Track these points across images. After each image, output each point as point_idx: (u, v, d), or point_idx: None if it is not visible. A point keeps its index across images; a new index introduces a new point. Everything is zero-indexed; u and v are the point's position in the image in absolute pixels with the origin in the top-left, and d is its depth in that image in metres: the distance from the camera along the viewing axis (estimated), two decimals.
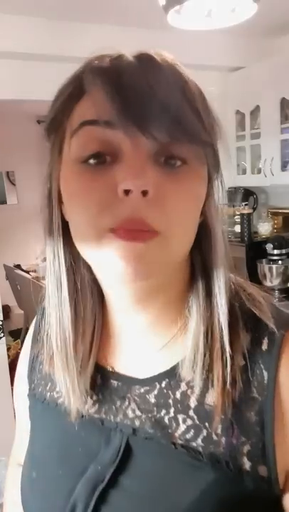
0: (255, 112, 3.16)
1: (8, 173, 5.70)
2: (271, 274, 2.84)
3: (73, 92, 0.48)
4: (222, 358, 0.49)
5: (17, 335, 4.68)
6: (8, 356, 2.62)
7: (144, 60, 0.46)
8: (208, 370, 0.50)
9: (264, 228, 3.24)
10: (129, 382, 0.55)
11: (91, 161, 0.46)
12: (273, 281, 2.84)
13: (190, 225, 0.49)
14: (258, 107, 3.11)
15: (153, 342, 0.55)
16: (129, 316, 0.56)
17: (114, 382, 0.56)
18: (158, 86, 0.44)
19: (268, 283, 2.83)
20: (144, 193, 0.43)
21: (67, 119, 0.49)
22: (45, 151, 0.53)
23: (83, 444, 0.55)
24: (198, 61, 3.01)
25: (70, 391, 0.55)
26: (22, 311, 4.78)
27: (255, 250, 3.01)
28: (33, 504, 0.58)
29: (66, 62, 2.82)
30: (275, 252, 2.90)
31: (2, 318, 2.16)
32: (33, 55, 2.66)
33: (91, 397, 0.57)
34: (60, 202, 0.52)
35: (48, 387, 0.62)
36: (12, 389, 2.63)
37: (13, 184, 5.74)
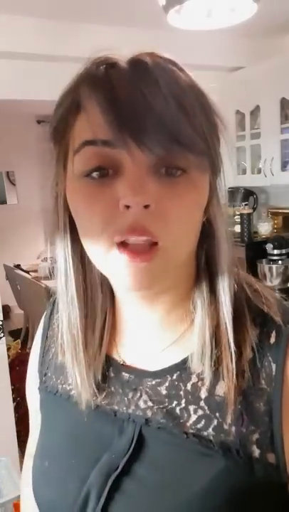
0: (255, 112, 3.16)
1: (8, 173, 5.71)
2: (271, 274, 2.85)
3: (72, 104, 0.49)
4: (230, 351, 0.51)
5: (17, 335, 4.68)
6: (8, 356, 2.62)
7: (139, 70, 0.46)
8: (218, 362, 0.52)
9: (264, 228, 3.24)
10: (141, 374, 0.57)
11: (94, 174, 0.47)
12: (273, 281, 2.84)
13: (191, 232, 0.50)
14: (258, 107, 3.11)
15: (163, 337, 0.57)
16: (138, 313, 0.58)
17: (126, 375, 0.58)
18: (153, 98, 0.44)
19: (268, 283, 2.83)
20: (146, 206, 0.45)
21: (68, 131, 0.50)
22: (49, 154, 0.54)
23: (96, 434, 0.57)
24: (198, 61, 3.01)
25: (79, 383, 0.57)
26: (22, 311, 4.78)
27: (255, 250, 3.01)
28: (45, 493, 0.59)
29: (66, 62, 2.83)
30: (275, 252, 2.90)
31: (2, 318, 2.16)
32: (33, 55, 2.66)
33: (103, 390, 0.59)
34: (67, 207, 0.53)
35: (60, 380, 0.64)
36: (12, 389, 2.61)
37: (13, 184, 5.74)
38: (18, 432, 2.23)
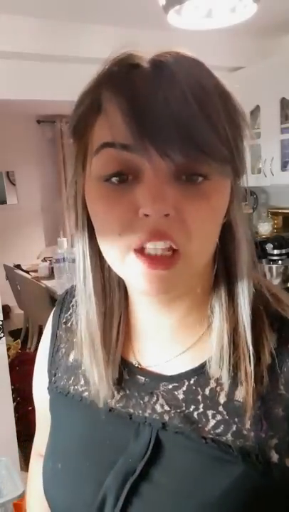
0: (255, 111, 3.16)
1: (8, 173, 5.70)
2: (271, 274, 2.85)
3: (92, 105, 0.48)
4: (248, 356, 0.51)
5: (17, 335, 4.68)
6: (8, 356, 2.62)
7: (162, 72, 0.45)
8: (236, 367, 0.51)
9: (264, 228, 3.24)
10: (157, 378, 0.56)
11: (113, 179, 0.46)
12: (273, 281, 2.84)
13: (212, 238, 0.50)
14: (258, 107, 3.11)
15: (179, 341, 0.56)
16: (154, 316, 0.57)
17: (142, 378, 0.58)
18: (175, 104, 0.43)
19: None
20: (166, 215, 0.44)
21: (88, 131, 0.49)
22: (69, 150, 0.54)
23: (111, 437, 0.57)
24: None
25: (97, 381, 0.57)
26: (22, 311, 4.78)
27: (255, 250, 3.01)
28: (59, 495, 0.59)
29: (66, 62, 2.84)
30: (275, 252, 2.90)
31: (2, 318, 2.16)
32: (33, 55, 2.66)
33: (118, 392, 0.58)
34: (86, 205, 0.53)
35: (71, 381, 0.63)
36: (12, 389, 2.61)
37: (13, 184, 5.74)
38: (18, 432, 2.23)
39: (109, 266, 0.55)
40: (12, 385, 2.26)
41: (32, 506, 0.75)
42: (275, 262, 2.89)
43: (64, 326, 0.68)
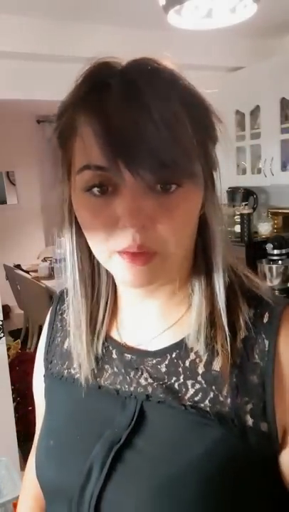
0: (255, 111, 3.16)
1: (8, 173, 5.71)
2: (271, 274, 2.85)
3: (69, 126, 0.52)
4: (224, 330, 0.56)
5: (17, 335, 4.68)
6: (8, 356, 2.62)
7: (132, 94, 0.48)
8: (214, 340, 0.56)
9: (264, 228, 3.24)
10: (142, 355, 0.61)
11: (95, 190, 0.51)
12: (273, 281, 2.84)
13: (187, 238, 0.56)
14: (258, 107, 3.11)
15: (163, 320, 0.62)
16: (139, 300, 0.63)
17: (128, 356, 0.62)
18: (144, 125, 0.46)
19: (267, 283, 2.83)
20: (142, 226, 0.50)
21: (69, 148, 0.54)
22: (54, 156, 0.58)
23: (99, 412, 0.61)
24: (198, 61, 3.01)
25: (82, 359, 0.63)
26: (22, 311, 4.78)
27: (255, 250, 3.01)
28: (49, 470, 0.62)
29: (66, 62, 2.83)
30: (275, 252, 2.90)
31: (2, 318, 2.17)
32: (33, 55, 2.66)
33: (107, 371, 0.63)
34: (73, 209, 0.58)
35: (65, 365, 0.68)
36: (12, 389, 2.61)
37: (13, 184, 5.74)
38: (18, 432, 2.23)
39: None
40: (12, 385, 2.26)
41: (22, 499, 0.78)
42: (275, 262, 2.89)
43: (60, 316, 0.73)
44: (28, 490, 0.77)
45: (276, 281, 2.84)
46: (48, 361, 0.71)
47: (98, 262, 0.60)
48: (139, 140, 0.47)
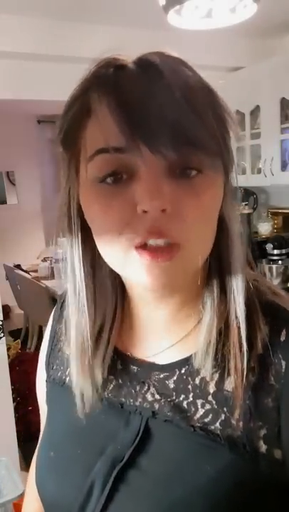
0: (255, 111, 3.16)
1: (8, 173, 5.70)
2: (271, 274, 2.85)
3: (82, 109, 0.49)
4: (240, 350, 0.51)
5: (17, 335, 4.68)
6: (8, 356, 2.62)
7: (149, 71, 0.46)
8: (227, 359, 0.52)
9: (264, 228, 3.24)
10: (149, 368, 0.58)
11: (108, 180, 0.47)
12: (273, 281, 2.84)
13: (209, 231, 0.51)
14: (258, 107, 3.11)
15: (172, 333, 0.58)
16: (149, 310, 0.58)
17: (134, 368, 0.59)
18: (164, 101, 0.44)
19: None
20: (163, 210, 0.45)
21: (80, 136, 0.50)
22: (60, 158, 0.55)
23: (102, 425, 0.58)
24: (198, 61, 2.98)
25: (79, 375, 0.58)
26: (22, 311, 4.78)
27: (255, 250, 3.01)
28: (49, 482, 0.59)
29: (66, 62, 2.83)
30: (275, 252, 2.90)
31: (2, 318, 2.16)
32: (33, 55, 2.66)
33: (111, 382, 0.59)
34: (80, 210, 0.54)
35: (67, 372, 0.64)
36: (12, 389, 2.61)
37: (13, 184, 5.74)
38: (18, 432, 2.23)
39: (100, 268, 0.57)
40: (12, 385, 2.26)
41: (27, 503, 0.76)
42: (275, 262, 2.89)
43: (63, 319, 0.68)
44: (35, 491, 0.76)
45: (276, 281, 2.84)
46: (49, 366, 0.69)
47: (103, 269, 0.57)
48: (159, 116, 0.43)
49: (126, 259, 0.49)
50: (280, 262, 2.88)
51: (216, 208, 0.51)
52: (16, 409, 2.36)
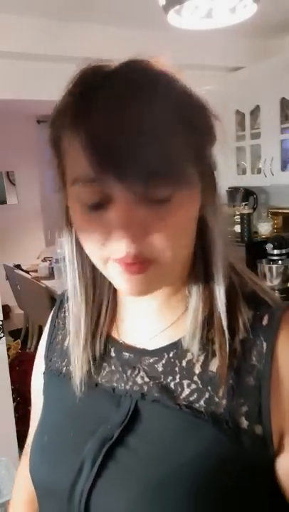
0: (255, 111, 3.16)
1: (8, 173, 5.70)
2: (271, 274, 2.85)
3: (58, 137, 0.52)
4: (223, 335, 0.55)
5: (17, 335, 4.68)
6: (8, 356, 2.62)
7: (119, 101, 0.47)
8: (212, 341, 0.56)
9: (264, 228, 3.24)
10: (140, 353, 0.61)
11: (89, 204, 0.50)
12: (273, 281, 2.84)
13: (184, 246, 0.54)
14: (258, 107, 3.11)
15: (161, 320, 0.61)
16: (138, 302, 0.62)
17: (126, 354, 0.63)
18: (131, 134, 0.45)
19: (267, 283, 2.82)
20: (135, 237, 0.49)
21: (61, 159, 0.53)
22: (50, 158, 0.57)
23: (95, 410, 0.61)
24: (198, 61, 3.01)
25: (77, 358, 0.63)
26: (22, 311, 4.78)
27: (255, 250, 3.01)
28: (42, 465, 0.62)
29: (66, 62, 2.82)
30: (275, 252, 2.90)
31: (2, 318, 2.16)
32: (33, 55, 2.66)
33: (104, 369, 0.63)
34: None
35: (64, 363, 0.68)
36: (12, 389, 2.61)
37: (13, 184, 5.74)
38: (18, 432, 2.23)
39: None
40: (12, 385, 2.26)
41: (15, 501, 0.78)
42: (275, 262, 2.89)
43: (62, 314, 0.73)
44: (21, 493, 0.76)
45: (276, 281, 2.83)
46: (48, 359, 0.72)
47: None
48: (126, 150, 0.45)
49: (105, 267, 0.53)
50: (280, 262, 2.88)
51: (191, 223, 0.54)
52: (16, 409, 2.36)
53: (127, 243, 0.49)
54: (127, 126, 0.46)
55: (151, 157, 0.46)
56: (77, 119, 0.48)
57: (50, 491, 0.60)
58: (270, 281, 2.84)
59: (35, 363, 0.76)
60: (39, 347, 0.76)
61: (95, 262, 0.55)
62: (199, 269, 0.59)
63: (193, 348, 0.56)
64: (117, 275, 0.52)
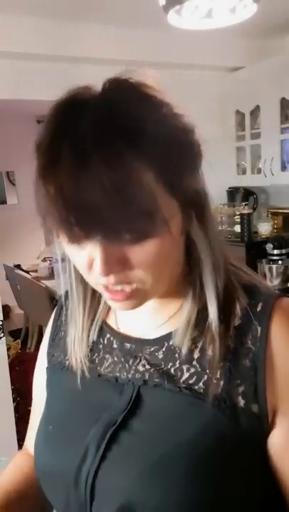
0: (255, 111, 3.16)
1: (8, 173, 5.70)
2: (271, 274, 2.85)
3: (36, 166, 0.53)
4: (215, 328, 0.58)
5: (17, 335, 4.68)
6: (8, 356, 2.62)
7: (82, 161, 0.47)
8: (206, 332, 0.59)
9: (264, 228, 3.24)
10: (141, 343, 0.64)
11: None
12: (273, 281, 2.84)
13: (165, 271, 0.57)
14: (258, 107, 3.11)
15: (161, 315, 0.64)
16: None
17: (128, 345, 0.65)
18: (92, 193, 0.46)
19: (267, 283, 2.82)
20: (116, 272, 0.52)
21: None
22: None
23: (99, 399, 0.63)
24: (198, 61, 3.01)
25: (76, 348, 0.67)
26: (22, 311, 4.78)
27: (255, 250, 3.01)
28: (46, 454, 0.64)
29: (66, 62, 2.84)
30: (275, 252, 2.90)
31: (2, 318, 2.17)
32: (33, 55, 2.66)
33: (107, 360, 0.66)
34: None
35: (67, 357, 0.70)
36: (12, 389, 2.61)
37: (13, 184, 5.74)
38: (18, 432, 2.23)
39: None
40: (12, 385, 2.26)
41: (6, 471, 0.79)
42: (275, 262, 2.89)
43: (65, 311, 0.74)
44: (15, 463, 0.77)
45: (276, 281, 2.84)
46: (50, 355, 0.74)
47: None
48: (88, 209, 0.47)
49: (96, 286, 0.58)
50: (280, 262, 2.88)
51: (169, 258, 0.56)
52: (16, 409, 2.36)
53: (106, 277, 0.53)
54: (87, 184, 0.47)
55: (112, 215, 0.47)
56: (46, 174, 0.50)
57: (56, 477, 0.61)
58: (270, 281, 2.84)
59: (37, 360, 0.78)
60: (42, 345, 0.78)
61: (86, 280, 0.58)
62: (195, 272, 0.60)
63: (185, 343, 0.59)
64: (105, 296, 0.57)
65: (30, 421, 0.79)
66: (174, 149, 0.51)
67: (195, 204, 0.56)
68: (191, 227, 0.57)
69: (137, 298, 0.56)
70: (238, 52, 3.17)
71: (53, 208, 0.49)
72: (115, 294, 0.55)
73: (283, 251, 2.90)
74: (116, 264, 0.52)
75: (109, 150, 0.47)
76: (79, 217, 0.48)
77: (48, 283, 3.87)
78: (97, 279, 0.54)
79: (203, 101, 3.00)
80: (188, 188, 0.54)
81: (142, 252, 0.52)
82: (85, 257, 0.53)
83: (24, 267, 4.62)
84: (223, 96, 3.29)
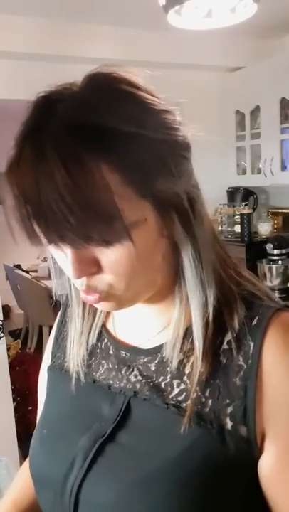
0: (255, 111, 3.16)
1: None
2: (271, 274, 2.85)
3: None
4: (199, 349, 0.55)
5: (17, 335, 4.68)
6: (8, 356, 2.62)
7: (43, 166, 0.46)
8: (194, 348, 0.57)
9: (264, 228, 3.24)
10: (136, 352, 0.63)
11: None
12: (273, 281, 2.84)
13: (140, 275, 0.54)
14: (258, 107, 3.11)
15: (159, 321, 0.62)
16: (133, 308, 0.62)
17: (123, 353, 0.65)
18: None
19: (268, 283, 2.83)
20: (89, 274, 0.52)
21: None
22: None
23: (92, 406, 0.63)
24: (198, 61, 3.01)
25: (74, 351, 0.67)
26: (22, 311, 4.78)
27: (255, 250, 3.01)
28: (39, 457, 0.65)
29: (66, 62, 2.84)
30: (275, 252, 2.90)
31: (2, 318, 2.17)
32: (33, 55, 2.66)
33: (102, 366, 0.66)
34: None
35: (66, 359, 0.70)
36: (12, 389, 2.61)
37: None
38: (18, 432, 2.23)
39: None
40: (12, 385, 2.26)
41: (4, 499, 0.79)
42: (275, 262, 2.89)
43: (69, 312, 0.74)
44: (12, 493, 0.77)
45: (276, 281, 2.84)
46: (53, 354, 0.75)
47: None
48: (46, 212, 0.46)
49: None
50: (280, 262, 2.88)
51: (145, 253, 0.52)
52: (16, 409, 2.36)
53: (78, 280, 0.53)
54: (45, 184, 0.45)
55: (68, 216, 0.45)
56: (10, 176, 0.49)
57: (46, 481, 0.62)
58: (270, 281, 2.84)
59: (43, 358, 0.79)
60: (48, 343, 0.79)
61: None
62: (182, 280, 0.58)
63: (174, 356, 0.57)
64: (81, 295, 0.57)
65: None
66: (145, 148, 0.48)
67: (175, 207, 0.52)
68: (174, 232, 0.54)
69: (112, 301, 0.55)
70: (238, 52, 3.17)
71: (14, 208, 0.49)
72: (89, 295, 0.55)
73: (283, 251, 2.90)
74: (87, 267, 0.51)
75: (67, 150, 0.46)
76: (38, 219, 0.47)
77: (48, 283, 3.87)
78: (72, 279, 0.55)
79: (203, 101, 3.00)
80: (164, 189, 0.50)
81: (111, 257, 0.50)
82: (64, 257, 0.53)
83: (24, 267, 4.62)
84: (223, 96, 3.29)
